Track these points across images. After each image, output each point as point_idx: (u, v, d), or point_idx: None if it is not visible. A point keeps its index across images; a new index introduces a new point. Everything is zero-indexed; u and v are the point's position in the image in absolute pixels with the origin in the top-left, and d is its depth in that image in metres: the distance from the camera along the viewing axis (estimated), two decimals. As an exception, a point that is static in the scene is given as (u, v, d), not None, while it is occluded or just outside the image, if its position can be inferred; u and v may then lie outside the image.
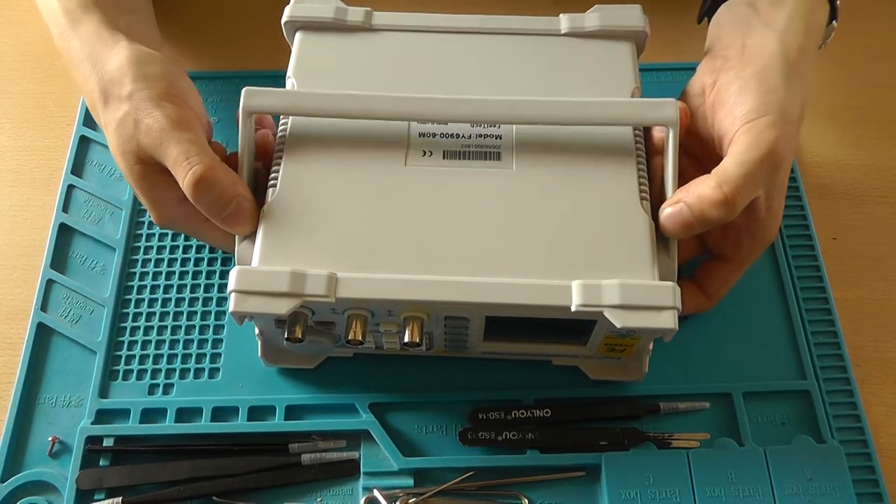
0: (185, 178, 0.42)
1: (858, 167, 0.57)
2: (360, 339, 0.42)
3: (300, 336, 0.41)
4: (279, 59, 0.51)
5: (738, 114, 0.43)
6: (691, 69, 0.60)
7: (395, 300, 0.41)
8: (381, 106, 0.45)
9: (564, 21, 0.51)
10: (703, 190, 0.41)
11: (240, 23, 0.64)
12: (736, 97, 0.44)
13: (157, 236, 0.53)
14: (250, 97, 0.45)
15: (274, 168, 0.45)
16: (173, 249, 0.53)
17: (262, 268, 0.41)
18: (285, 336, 0.42)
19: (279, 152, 0.46)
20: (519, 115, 0.45)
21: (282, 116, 0.47)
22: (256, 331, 0.46)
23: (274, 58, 0.52)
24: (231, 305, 0.40)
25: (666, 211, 0.42)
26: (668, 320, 0.40)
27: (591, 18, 0.51)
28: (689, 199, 0.42)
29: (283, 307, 0.40)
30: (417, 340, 0.42)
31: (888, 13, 0.63)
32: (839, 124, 0.59)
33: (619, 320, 0.40)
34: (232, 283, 0.41)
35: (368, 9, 0.51)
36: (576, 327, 0.44)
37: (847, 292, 0.52)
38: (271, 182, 0.44)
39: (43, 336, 0.50)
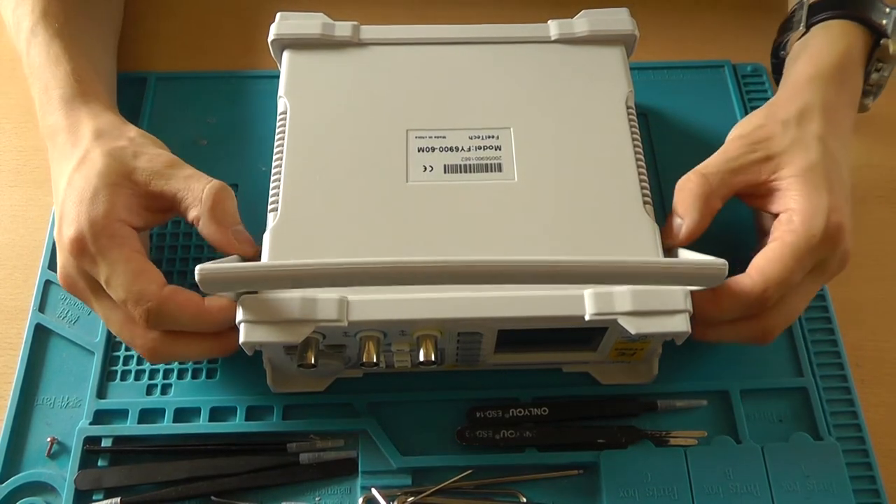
0: (205, 186, 0.43)
1: (858, 167, 0.57)
2: (374, 360, 0.41)
3: (313, 362, 0.41)
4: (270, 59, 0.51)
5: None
6: (689, 68, 0.61)
7: (410, 320, 0.40)
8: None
9: (554, 27, 0.51)
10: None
11: (235, 21, 0.64)
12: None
13: (154, 236, 0.53)
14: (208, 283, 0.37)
15: (273, 191, 0.44)
16: (171, 249, 0.52)
17: (269, 295, 0.40)
18: (297, 363, 0.41)
19: (277, 174, 0.45)
20: (555, 274, 0.37)
21: (276, 136, 0.47)
22: (264, 358, 0.45)
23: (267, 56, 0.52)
24: (241, 336, 0.39)
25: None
26: (680, 324, 0.40)
27: (580, 24, 0.51)
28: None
29: (295, 335, 0.39)
30: (433, 359, 0.41)
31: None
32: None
33: (633, 327, 0.40)
34: (240, 313, 0.40)
35: (356, 23, 0.50)
36: (586, 334, 0.44)
37: (845, 291, 0.52)
38: (272, 206, 0.44)
39: (41, 337, 0.50)
